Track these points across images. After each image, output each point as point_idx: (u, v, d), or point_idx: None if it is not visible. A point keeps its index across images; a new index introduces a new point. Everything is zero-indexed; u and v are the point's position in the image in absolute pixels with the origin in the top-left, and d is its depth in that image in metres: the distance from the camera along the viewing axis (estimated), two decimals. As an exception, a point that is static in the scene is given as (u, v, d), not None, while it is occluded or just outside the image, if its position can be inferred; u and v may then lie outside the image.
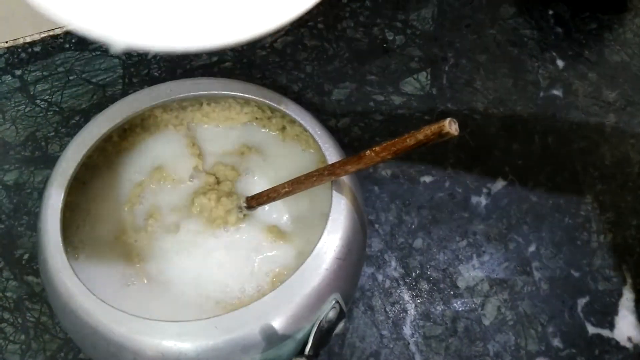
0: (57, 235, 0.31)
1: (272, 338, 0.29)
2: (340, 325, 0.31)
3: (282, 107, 0.37)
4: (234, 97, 0.39)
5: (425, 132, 0.25)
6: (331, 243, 0.31)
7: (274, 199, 0.35)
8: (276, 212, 0.37)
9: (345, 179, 0.34)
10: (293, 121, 0.37)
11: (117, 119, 0.36)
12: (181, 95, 0.37)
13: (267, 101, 0.37)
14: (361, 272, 0.39)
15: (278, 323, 0.29)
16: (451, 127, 0.24)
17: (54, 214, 0.32)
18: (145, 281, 0.35)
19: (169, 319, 0.29)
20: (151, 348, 0.29)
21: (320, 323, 0.29)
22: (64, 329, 0.32)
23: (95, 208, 0.37)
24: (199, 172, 0.39)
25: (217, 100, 0.40)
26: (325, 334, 0.31)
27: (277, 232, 0.37)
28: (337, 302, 0.31)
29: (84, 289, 0.30)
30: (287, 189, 0.33)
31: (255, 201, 0.36)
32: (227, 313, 0.29)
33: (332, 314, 0.30)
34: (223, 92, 0.38)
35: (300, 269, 0.30)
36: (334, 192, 0.33)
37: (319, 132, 0.36)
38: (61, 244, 0.31)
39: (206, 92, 0.38)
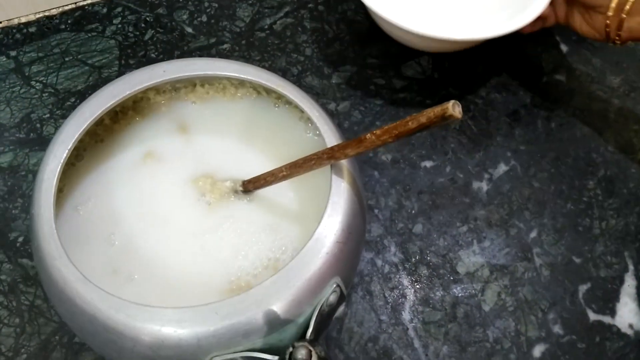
0: (51, 221, 0.30)
1: (273, 323, 0.28)
2: (340, 309, 0.31)
3: (279, 89, 0.36)
4: (228, 79, 0.38)
5: (428, 115, 0.25)
6: (331, 226, 0.31)
7: (271, 183, 0.34)
8: (274, 196, 0.37)
9: (344, 162, 0.33)
10: (290, 103, 0.37)
11: (108, 101, 0.34)
12: (174, 77, 0.36)
13: (263, 82, 0.36)
14: (361, 256, 0.39)
15: (279, 307, 0.28)
16: (455, 109, 0.24)
17: (47, 200, 0.31)
18: (141, 267, 0.34)
19: (168, 305, 0.28)
20: (151, 335, 0.28)
21: (321, 307, 0.29)
22: (61, 316, 0.32)
23: (88, 192, 0.36)
24: (193, 155, 0.38)
25: (211, 82, 0.39)
26: (325, 317, 0.30)
27: (274, 216, 0.36)
28: (338, 285, 0.30)
29: (80, 276, 0.29)
30: (284, 173, 0.33)
31: (252, 185, 0.36)
32: (228, 298, 0.28)
33: (332, 298, 0.30)
34: (218, 73, 0.37)
35: (300, 252, 0.30)
36: (334, 176, 0.32)
37: (317, 115, 0.35)
38: (55, 231, 0.30)
39: (200, 73, 0.37)
